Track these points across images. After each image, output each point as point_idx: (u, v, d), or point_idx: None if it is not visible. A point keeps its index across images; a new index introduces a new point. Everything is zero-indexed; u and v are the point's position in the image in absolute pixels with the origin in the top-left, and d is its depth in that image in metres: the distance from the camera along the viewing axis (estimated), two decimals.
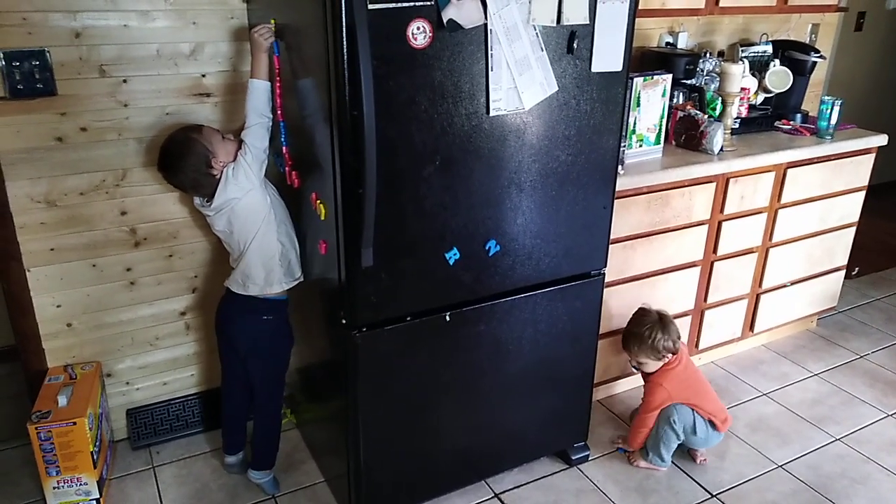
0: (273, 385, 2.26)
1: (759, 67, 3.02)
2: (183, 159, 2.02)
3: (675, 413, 2.37)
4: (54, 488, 2.17)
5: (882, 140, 3.04)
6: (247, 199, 2.05)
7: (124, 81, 2.14)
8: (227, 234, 2.12)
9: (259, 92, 2.01)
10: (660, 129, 2.68)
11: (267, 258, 2.10)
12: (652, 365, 2.40)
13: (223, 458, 2.39)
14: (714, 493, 2.36)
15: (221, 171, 2.02)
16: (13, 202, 2.12)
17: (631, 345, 2.41)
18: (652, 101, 2.63)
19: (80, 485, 2.18)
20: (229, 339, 2.24)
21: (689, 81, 2.86)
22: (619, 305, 2.59)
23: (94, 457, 2.18)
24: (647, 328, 2.36)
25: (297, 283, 2.18)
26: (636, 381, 2.86)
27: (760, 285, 3.02)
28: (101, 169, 2.20)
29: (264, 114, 2.03)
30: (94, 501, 2.22)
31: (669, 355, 2.38)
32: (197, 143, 2.01)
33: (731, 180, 2.70)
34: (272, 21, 1.95)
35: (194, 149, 2.00)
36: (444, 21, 1.66)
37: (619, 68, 1.97)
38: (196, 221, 2.37)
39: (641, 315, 2.44)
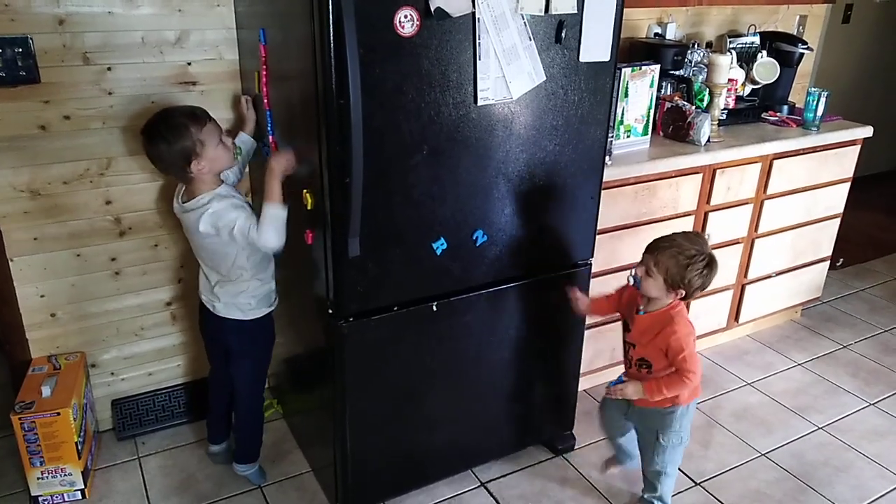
0: (254, 380, 2.25)
1: (746, 59, 3.03)
2: (166, 143, 1.90)
3: (684, 418, 2.02)
4: (38, 479, 2.16)
5: (867, 132, 3.06)
6: (217, 241, 1.97)
7: (109, 69, 2.12)
8: (199, 252, 2.08)
9: (276, 221, 1.91)
10: (647, 120, 2.68)
11: (241, 291, 2.07)
12: (655, 288, 1.91)
13: (207, 447, 2.38)
14: (698, 482, 2.38)
15: (199, 174, 1.92)
16: None
17: (664, 252, 1.89)
18: (640, 91, 2.63)
19: (65, 475, 2.17)
20: (212, 338, 2.23)
21: (677, 72, 2.86)
22: None
23: (79, 447, 2.17)
24: (699, 250, 1.87)
25: (270, 310, 2.17)
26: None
27: (746, 276, 3.04)
28: (86, 158, 2.18)
29: (277, 242, 1.93)
30: (79, 492, 2.21)
31: (681, 295, 1.92)
32: (189, 137, 1.88)
33: (718, 171, 2.71)
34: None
35: (182, 141, 1.88)
36: (432, 9, 1.64)
37: (608, 58, 1.97)
38: None
39: (699, 237, 1.95)
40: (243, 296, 2.08)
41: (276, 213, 1.90)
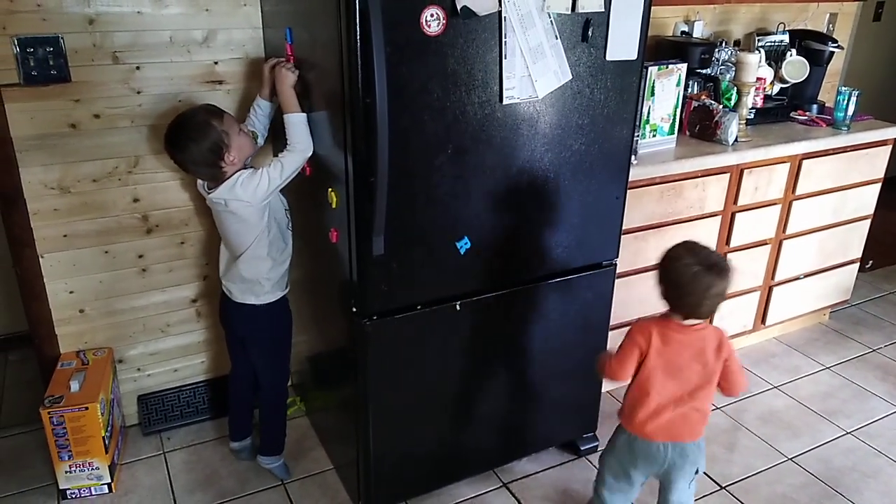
0: (276, 370, 2.27)
1: (775, 57, 2.99)
2: (195, 143, 1.92)
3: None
4: (66, 472, 2.19)
5: None
6: (243, 211, 1.98)
7: (137, 68, 2.14)
8: (221, 232, 2.10)
9: (300, 126, 1.93)
10: (674, 119, 2.65)
11: (255, 272, 2.07)
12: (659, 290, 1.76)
13: (229, 444, 2.40)
14: (723, 486, 2.35)
15: (230, 167, 1.96)
16: (27, 188, 2.13)
17: (661, 274, 1.78)
18: (666, 90, 2.60)
19: (92, 469, 2.20)
20: (231, 327, 2.24)
21: (704, 71, 2.83)
22: (630, 296, 2.57)
23: (106, 442, 2.20)
24: (691, 253, 1.71)
25: (284, 294, 2.18)
26: None
27: (773, 278, 3.00)
28: (114, 156, 2.20)
29: (309, 146, 1.95)
30: (106, 486, 2.24)
31: (683, 315, 1.72)
32: (215, 131, 1.92)
33: (746, 171, 2.67)
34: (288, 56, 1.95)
35: (210, 136, 1.91)
36: (458, 8, 1.64)
37: (634, 57, 1.95)
38: (208, 209, 2.37)
39: (712, 253, 1.75)
40: (257, 276, 2.08)
41: (299, 119, 1.94)
